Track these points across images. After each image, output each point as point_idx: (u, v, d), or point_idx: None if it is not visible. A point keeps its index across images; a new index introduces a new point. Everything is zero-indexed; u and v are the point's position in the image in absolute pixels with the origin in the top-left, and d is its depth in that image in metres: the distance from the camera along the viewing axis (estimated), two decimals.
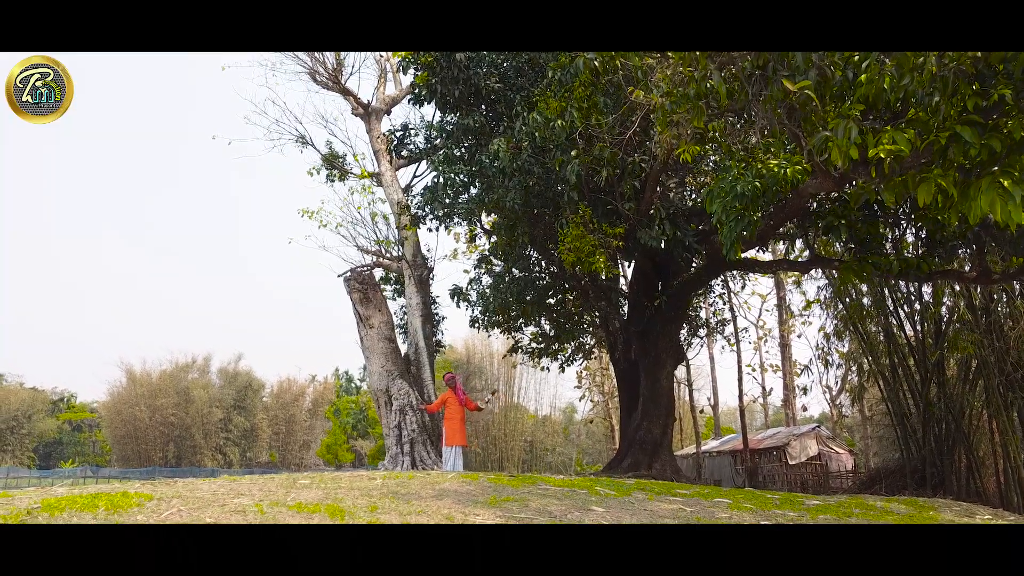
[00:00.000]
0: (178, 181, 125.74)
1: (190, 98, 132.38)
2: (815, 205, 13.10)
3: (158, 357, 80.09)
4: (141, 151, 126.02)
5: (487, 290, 16.03)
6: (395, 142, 17.93)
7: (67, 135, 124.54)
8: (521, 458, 47.87)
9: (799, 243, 16.90)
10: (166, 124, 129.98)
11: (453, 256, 22.58)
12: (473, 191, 14.56)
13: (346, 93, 18.91)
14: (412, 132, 18.28)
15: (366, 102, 18.88)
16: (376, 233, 18.28)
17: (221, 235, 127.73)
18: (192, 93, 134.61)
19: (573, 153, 11.85)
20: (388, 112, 19.26)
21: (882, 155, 7.11)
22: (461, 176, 14.08)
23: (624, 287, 18.83)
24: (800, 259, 16.94)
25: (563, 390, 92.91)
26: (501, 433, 46.90)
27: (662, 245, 13.52)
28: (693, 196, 15.14)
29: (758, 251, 16.48)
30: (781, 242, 18.39)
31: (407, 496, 6.20)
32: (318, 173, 19.24)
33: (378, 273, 18.63)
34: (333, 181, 19.07)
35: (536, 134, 11.93)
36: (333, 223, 18.49)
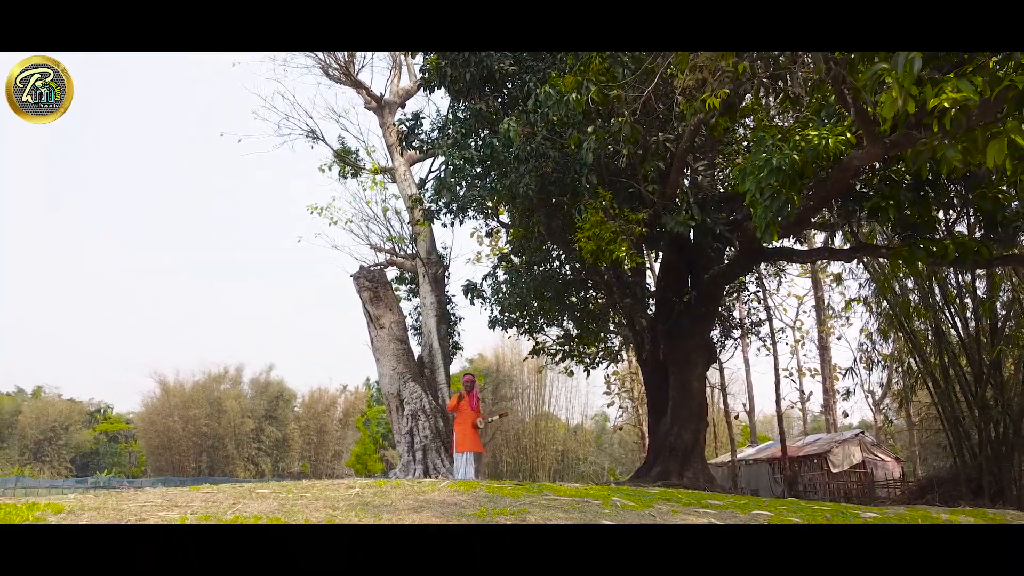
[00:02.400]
0: (179, 181, 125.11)
1: (193, 96, 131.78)
2: (859, 185, 11.90)
3: (190, 368, 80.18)
4: (141, 151, 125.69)
5: (503, 286, 15.02)
6: (406, 132, 17.08)
7: (67, 135, 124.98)
8: (553, 468, 46.76)
9: (839, 235, 15.65)
10: (167, 124, 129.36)
11: (476, 259, 21.71)
12: (487, 181, 13.63)
13: (358, 86, 18.23)
14: (424, 121, 17.44)
15: (379, 95, 18.18)
16: (389, 230, 17.47)
17: (224, 235, 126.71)
18: (196, 90, 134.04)
19: (590, 130, 10.84)
20: (402, 105, 18.54)
21: (945, 104, 6.02)
22: (472, 164, 13.15)
23: (650, 282, 17.72)
24: (843, 248, 15.64)
25: (594, 398, 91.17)
26: (532, 443, 45.82)
27: (689, 232, 12.43)
28: (722, 179, 13.95)
29: (795, 242, 15.23)
30: (821, 232, 17.12)
31: (379, 508, 5.24)
32: (329, 169, 18.56)
33: (392, 273, 17.82)
34: (345, 177, 18.35)
35: (550, 112, 10.95)
36: (344, 219, 17.74)
